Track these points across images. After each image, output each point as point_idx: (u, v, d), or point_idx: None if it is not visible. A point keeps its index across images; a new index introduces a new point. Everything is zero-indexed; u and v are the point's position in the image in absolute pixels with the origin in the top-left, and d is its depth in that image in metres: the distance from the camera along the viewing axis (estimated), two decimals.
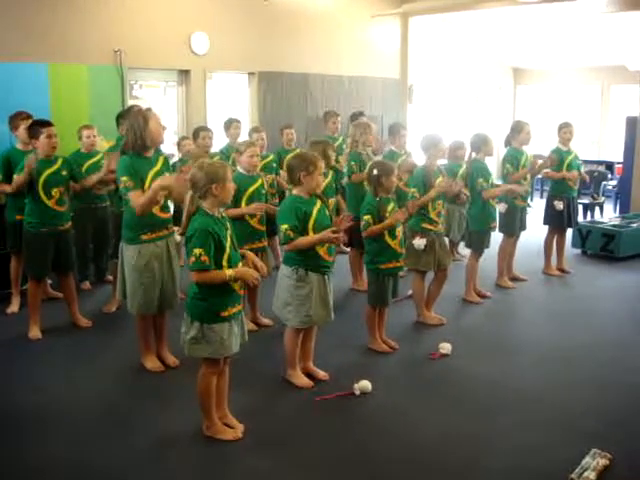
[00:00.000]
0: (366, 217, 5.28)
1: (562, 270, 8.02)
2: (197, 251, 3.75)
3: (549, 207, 7.79)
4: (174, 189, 4.68)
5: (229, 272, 3.85)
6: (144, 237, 4.86)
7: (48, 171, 5.70)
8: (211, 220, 3.84)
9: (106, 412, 4.52)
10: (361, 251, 6.37)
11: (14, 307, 6.47)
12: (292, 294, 4.65)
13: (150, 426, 4.31)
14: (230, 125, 7.91)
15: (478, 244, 6.85)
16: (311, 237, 4.53)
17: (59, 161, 5.83)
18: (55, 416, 4.44)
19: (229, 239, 3.91)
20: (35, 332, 5.82)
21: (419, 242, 5.89)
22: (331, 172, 6.54)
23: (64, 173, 5.83)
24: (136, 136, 4.76)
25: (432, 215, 5.96)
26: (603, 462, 3.78)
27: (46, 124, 5.75)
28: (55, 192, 5.73)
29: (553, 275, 7.92)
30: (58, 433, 4.23)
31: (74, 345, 5.70)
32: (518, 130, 7.24)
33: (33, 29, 7.70)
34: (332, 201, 6.27)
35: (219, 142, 7.96)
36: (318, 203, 4.65)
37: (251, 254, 4.15)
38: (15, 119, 6.39)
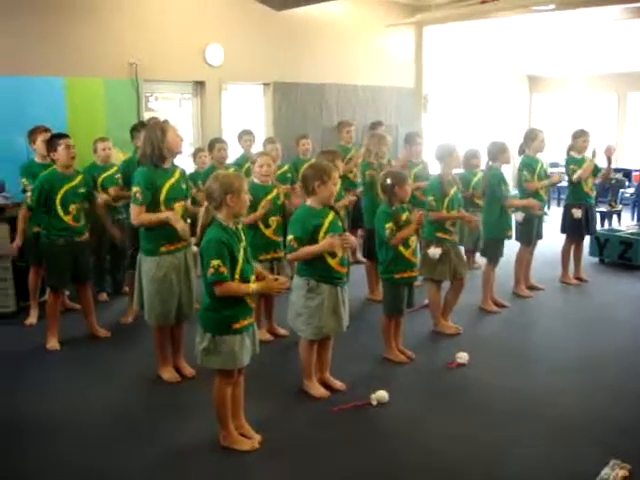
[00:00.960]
0: (388, 225, 5.26)
1: (580, 279, 7.97)
2: (215, 262, 3.76)
3: (567, 216, 7.74)
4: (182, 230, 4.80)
5: (253, 286, 3.88)
6: (163, 249, 4.88)
7: (67, 187, 5.75)
8: (225, 232, 3.85)
9: (123, 422, 4.53)
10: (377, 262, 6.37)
11: (32, 319, 6.51)
12: (303, 305, 4.65)
13: (167, 436, 4.31)
14: (241, 137, 7.97)
15: (494, 253, 6.82)
16: (313, 247, 4.53)
17: (78, 177, 5.88)
18: (72, 426, 4.46)
19: (242, 252, 3.90)
20: (53, 343, 5.86)
21: (434, 251, 5.87)
22: (339, 182, 6.50)
23: (82, 190, 5.88)
24: (153, 147, 4.79)
25: (447, 225, 5.95)
26: (622, 473, 3.73)
27: (63, 136, 5.82)
28: (72, 208, 5.78)
29: (570, 284, 7.86)
30: (75, 443, 4.25)
31: (91, 356, 5.73)
32: (532, 138, 7.21)
33: (49, 43, 7.78)
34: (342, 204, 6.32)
35: (234, 154, 7.99)
36: (330, 215, 4.64)
37: (270, 279, 4.08)
38: (33, 133, 6.49)
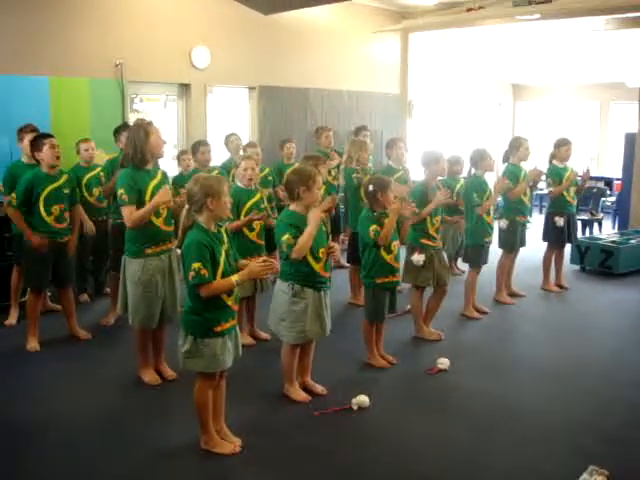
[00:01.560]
0: (372, 227, 5.27)
1: (560, 286, 8.02)
2: (196, 265, 3.75)
3: (549, 223, 7.78)
4: (171, 205, 4.75)
5: (234, 277, 3.85)
6: (148, 251, 4.86)
7: (50, 187, 5.70)
8: (205, 234, 3.85)
9: (103, 425, 4.51)
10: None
11: (12, 319, 6.46)
12: (288, 310, 4.64)
13: (147, 439, 4.29)
14: (228, 140, 7.94)
15: (474, 259, 6.85)
16: (305, 233, 4.46)
17: (63, 178, 5.84)
18: (52, 428, 4.43)
19: (224, 254, 3.90)
20: (33, 344, 5.81)
21: (418, 258, 5.89)
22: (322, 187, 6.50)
23: (66, 191, 5.84)
24: (136, 149, 4.79)
25: (431, 231, 5.97)
26: (600, 479, 3.76)
27: (48, 136, 5.78)
28: (55, 209, 5.73)
29: (551, 291, 7.91)
30: (55, 446, 4.22)
31: (72, 357, 5.69)
32: (517, 146, 7.26)
33: (34, 42, 7.73)
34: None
35: (219, 157, 7.97)
36: None
37: (252, 263, 4.05)
38: (21, 132, 6.43)
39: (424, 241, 5.96)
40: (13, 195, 5.78)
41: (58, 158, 5.77)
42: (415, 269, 5.96)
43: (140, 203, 4.81)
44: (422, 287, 6.13)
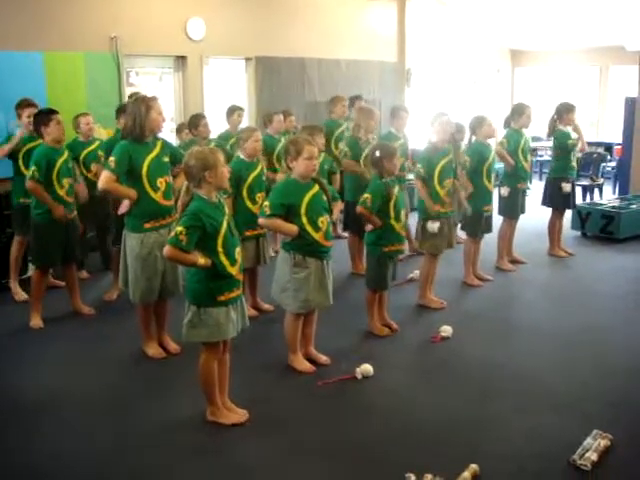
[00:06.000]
0: (365, 195, 5.26)
1: (564, 251, 8.03)
2: (179, 229, 3.75)
3: (554, 189, 7.75)
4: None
5: (201, 259, 3.82)
6: (147, 225, 4.86)
7: (60, 160, 5.68)
8: (205, 205, 3.84)
9: (108, 399, 4.54)
10: (359, 236, 6.40)
11: (25, 294, 6.41)
12: (290, 279, 4.65)
13: (152, 412, 4.32)
14: (233, 113, 7.84)
15: (472, 227, 6.83)
16: (283, 224, 4.56)
17: (66, 152, 5.83)
18: (56, 404, 4.46)
19: (225, 224, 3.90)
20: (37, 321, 5.81)
21: (432, 226, 5.88)
22: (322, 156, 6.37)
23: (70, 165, 5.85)
24: (135, 123, 4.76)
25: (441, 194, 5.92)
26: (604, 443, 3.79)
27: (53, 112, 5.73)
28: (65, 182, 5.72)
29: (559, 256, 7.92)
30: (60, 420, 4.25)
31: (75, 333, 5.71)
32: (519, 112, 7.22)
33: (28, 17, 7.62)
34: None
35: (216, 129, 7.92)
36: (314, 188, 4.63)
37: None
38: (19, 107, 6.36)
39: (437, 209, 5.93)
40: (33, 168, 5.59)
41: (64, 134, 5.77)
42: (430, 237, 5.95)
43: (135, 176, 4.80)
44: (435, 254, 6.13)
